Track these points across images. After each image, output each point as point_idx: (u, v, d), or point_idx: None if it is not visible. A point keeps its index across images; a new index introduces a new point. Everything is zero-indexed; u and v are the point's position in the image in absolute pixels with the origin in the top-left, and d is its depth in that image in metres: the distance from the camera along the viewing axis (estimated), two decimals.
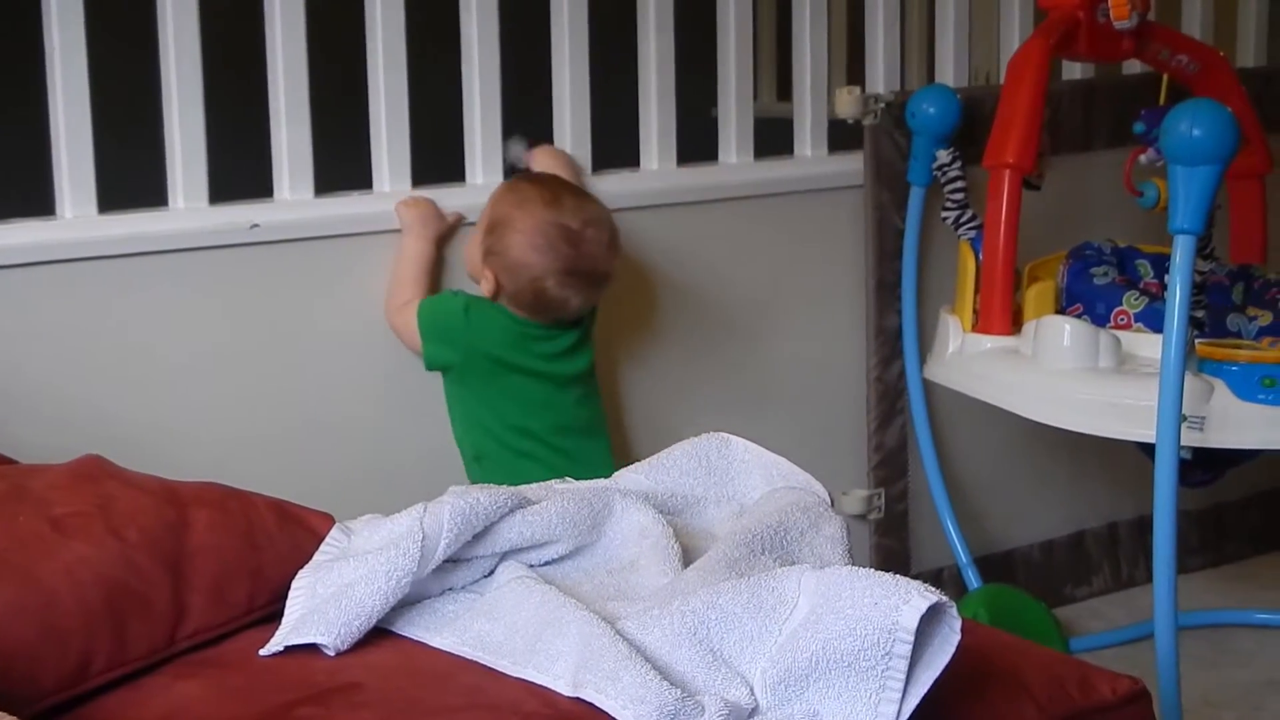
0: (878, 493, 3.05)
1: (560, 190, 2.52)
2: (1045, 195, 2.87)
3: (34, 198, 2.45)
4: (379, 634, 1.76)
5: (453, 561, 1.80)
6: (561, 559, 1.85)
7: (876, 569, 1.62)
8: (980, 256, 2.78)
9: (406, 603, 1.78)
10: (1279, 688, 2.89)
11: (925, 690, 1.55)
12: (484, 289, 2.51)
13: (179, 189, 2.46)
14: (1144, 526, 3.23)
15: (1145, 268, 2.88)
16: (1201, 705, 2.76)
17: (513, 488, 1.88)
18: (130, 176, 2.54)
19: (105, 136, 2.40)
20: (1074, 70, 3.23)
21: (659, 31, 2.80)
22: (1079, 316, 2.73)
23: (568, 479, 2.02)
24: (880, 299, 3.00)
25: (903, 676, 1.54)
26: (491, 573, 1.83)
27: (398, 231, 2.57)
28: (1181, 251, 2.34)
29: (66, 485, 1.84)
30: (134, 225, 2.42)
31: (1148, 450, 2.46)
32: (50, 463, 1.97)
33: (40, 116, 2.39)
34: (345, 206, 2.57)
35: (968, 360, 2.79)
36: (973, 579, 3.02)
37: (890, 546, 3.07)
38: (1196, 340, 2.56)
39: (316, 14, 2.52)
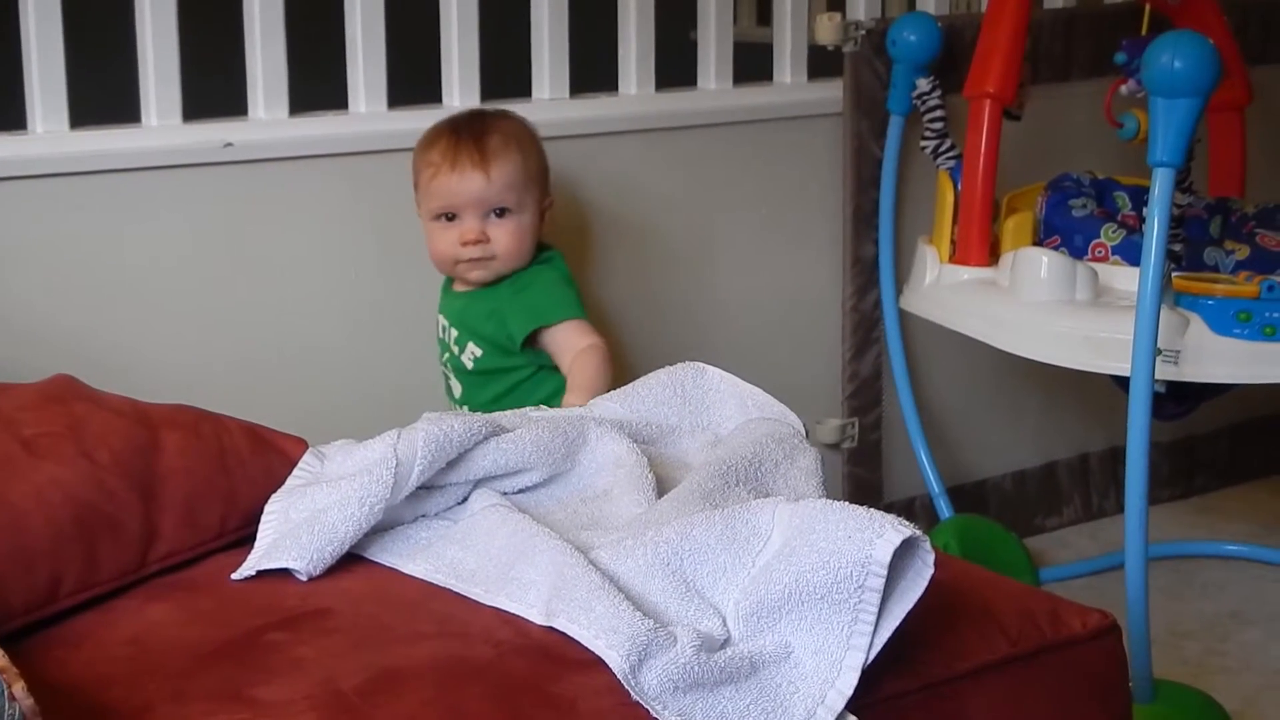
0: (851, 422, 3.05)
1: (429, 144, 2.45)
2: (1025, 125, 2.86)
3: (5, 112, 2.42)
4: (351, 560, 1.75)
5: (426, 488, 1.80)
6: (535, 487, 1.84)
7: (849, 498, 1.63)
8: (959, 186, 2.78)
9: (379, 529, 1.78)
10: (1245, 619, 2.91)
11: (898, 623, 1.55)
12: (545, 231, 2.45)
13: (152, 106, 2.43)
14: (1115, 457, 3.25)
15: (1123, 200, 2.88)
16: (1167, 636, 2.78)
17: (487, 415, 1.88)
18: (103, 92, 2.51)
19: (78, 51, 2.38)
20: None
21: None
22: (1056, 248, 2.73)
23: (542, 406, 2.01)
24: (857, 228, 2.99)
25: (875, 609, 1.54)
26: (465, 500, 1.82)
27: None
28: (1160, 184, 2.34)
29: (36, 406, 1.83)
30: (106, 142, 2.40)
31: (1122, 383, 2.46)
32: (19, 381, 1.96)
33: (11, 29, 2.35)
34: (320, 127, 2.55)
35: (944, 291, 2.78)
36: (944, 509, 3.03)
37: (863, 476, 3.08)
38: (1173, 274, 2.56)
39: None
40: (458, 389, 2.46)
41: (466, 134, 2.40)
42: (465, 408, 2.43)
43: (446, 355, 2.47)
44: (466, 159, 2.37)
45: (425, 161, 2.41)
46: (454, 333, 2.45)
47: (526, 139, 2.44)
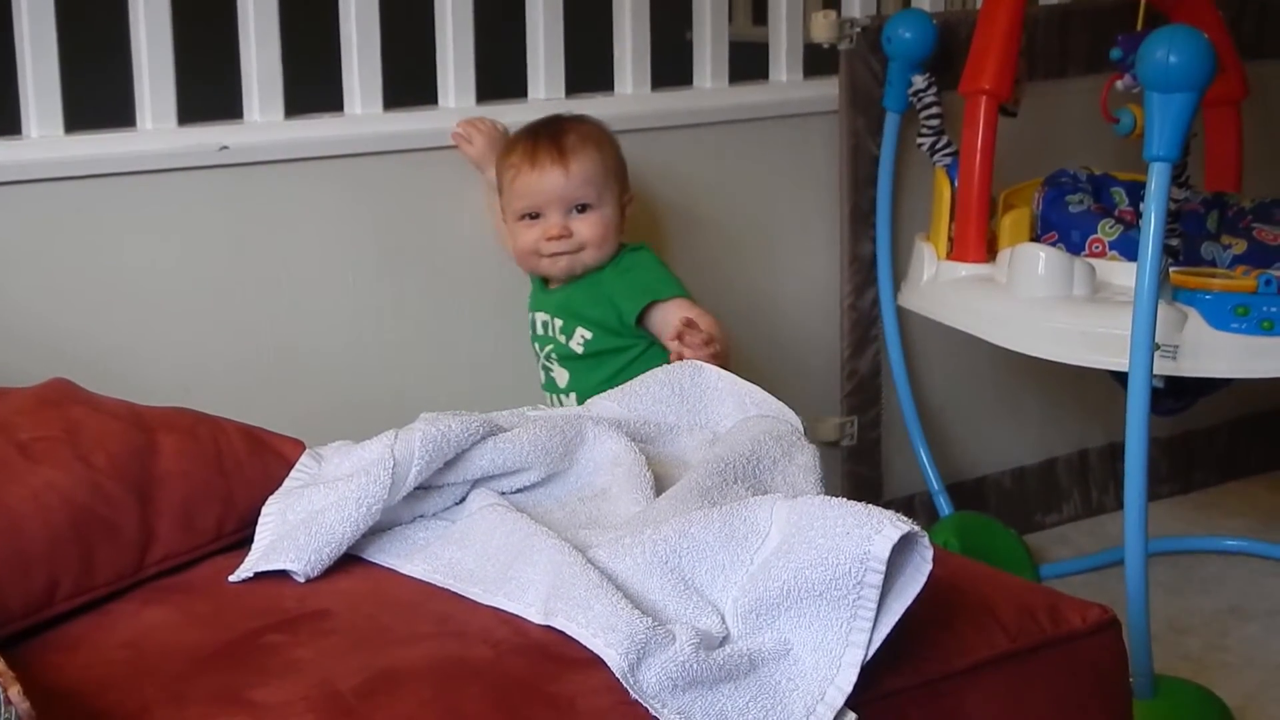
0: (850, 420, 3.05)
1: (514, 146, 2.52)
2: (1021, 122, 2.85)
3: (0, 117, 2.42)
4: (349, 561, 1.75)
5: (424, 488, 1.80)
6: (533, 486, 1.84)
7: (848, 496, 1.62)
8: (955, 183, 2.78)
9: (377, 530, 1.78)
10: (1244, 614, 2.91)
11: (896, 619, 1.55)
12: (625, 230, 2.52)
13: (147, 109, 2.43)
14: (1114, 453, 3.25)
15: (1120, 195, 2.88)
16: (1167, 632, 2.78)
17: (484, 415, 1.88)
18: (98, 96, 2.51)
19: (73, 55, 2.37)
20: None
21: None
22: (1054, 244, 2.73)
23: (540, 406, 2.01)
24: (855, 226, 2.99)
25: (874, 606, 1.53)
26: (463, 500, 1.82)
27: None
28: (1157, 179, 2.33)
29: (32, 410, 1.83)
30: (101, 146, 2.39)
31: (1120, 378, 2.46)
32: (15, 386, 1.95)
33: (5, 34, 2.35)
34: (316, 129, 2.54)
35: (942, 288, 2.78)
36: (944, 506, 3.03)
37: (862, 474, 3.07)
38: (1170, 268, 2.55)
39: None
40: (563, 377, 2.50)
41: (544, 135, 2.48)
42: (574, 394, 2.47)
43: (550, 347, 2.51)
44: (545, 157, 2.45)
45: (506, 164, 2.48)
46: (558, 323, 2.49)
47: (603, 138, 2.51)
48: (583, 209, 2.45)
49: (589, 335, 2.47)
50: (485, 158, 2.57)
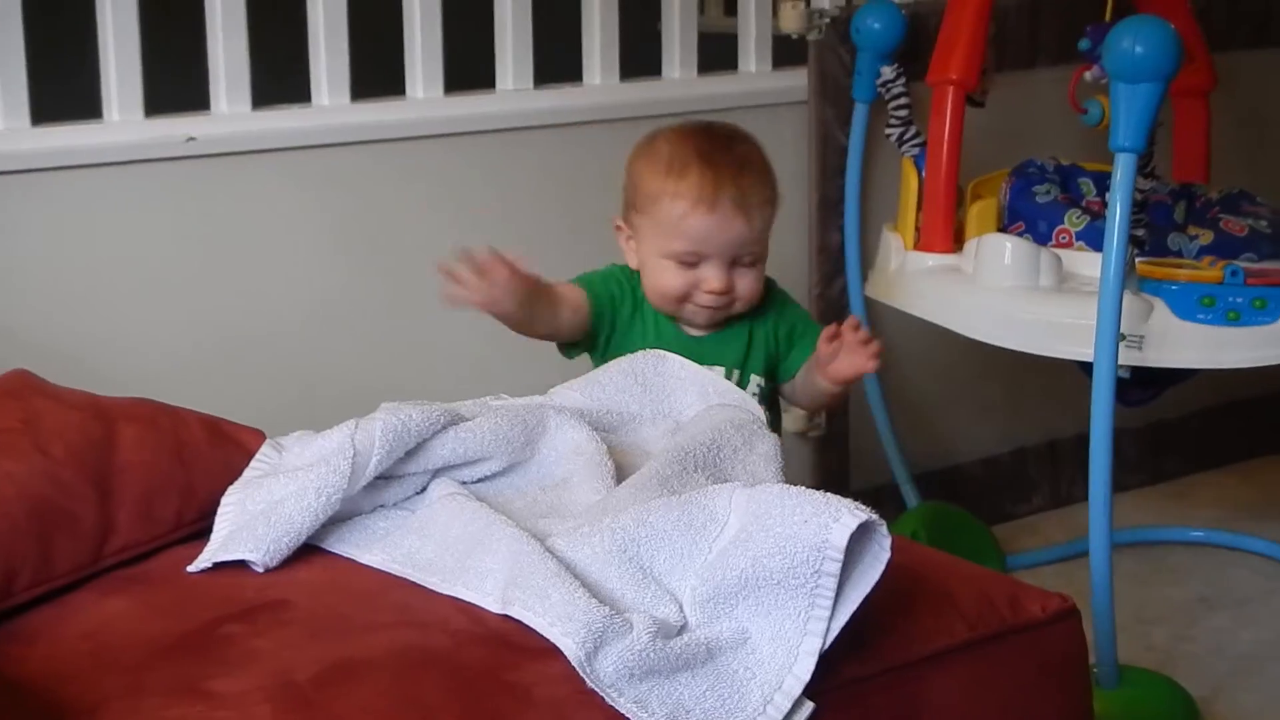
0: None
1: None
2: (989, 112, 2.86)
3: None
4: (309, 551, 1.75)
5: (384, 478, 1.79)
6: (494, 476, 1.84)
7: (816, 486, 1.62)
8: (923, 174, 2.78)
9: (337, 520, 1.77)
10: (1211, 604, 2.92)
11: (854, 608, 1.55)
12: None
13: (114, 101, 2.42)
14: (1083, 444, 3.22)
15: (1088, 186, 2.88)
16: (1134, 622, 2.78)
17: (446, 404, 1.87)
18: (65, 88, 2.50)
19: (40, 46, 2.36)
20: None
21: None
22: (1020, 235, 2.73)
23: (502, 395, 2.01)
24: (823, 216, 2.99)
25: (832, 594, 1.54)
26: (423, 490, 1.82)
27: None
28: (1122, 169, 2.34)
29: None
30: (67, 138, 2.39)
31: (1087, 369, 2.46)
32: None
33: None
34: (283, 120, 2.54)
35: (909, 278, 2.78)
36: (912, 496, 3.04)
37: (830, 464, 3.08)
38: (1137, 259, 2.56)
39: None
40: None
41: (727, 174, 2.09)
42: None
43: None
44: (729, 202, 2.07)
45: (670, 191, 2.08)
46: (731, 374, 2.15)
47: (770, 166, 2.17)
48: (749, 261, 2.11)
49: (763, 383, 2.17)
50: (500, 302, 2.06)
